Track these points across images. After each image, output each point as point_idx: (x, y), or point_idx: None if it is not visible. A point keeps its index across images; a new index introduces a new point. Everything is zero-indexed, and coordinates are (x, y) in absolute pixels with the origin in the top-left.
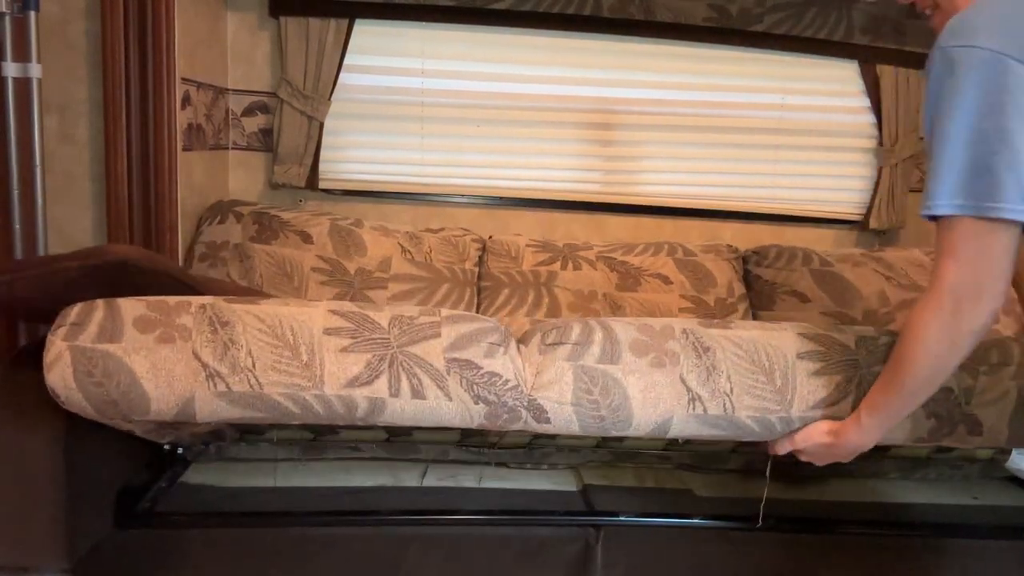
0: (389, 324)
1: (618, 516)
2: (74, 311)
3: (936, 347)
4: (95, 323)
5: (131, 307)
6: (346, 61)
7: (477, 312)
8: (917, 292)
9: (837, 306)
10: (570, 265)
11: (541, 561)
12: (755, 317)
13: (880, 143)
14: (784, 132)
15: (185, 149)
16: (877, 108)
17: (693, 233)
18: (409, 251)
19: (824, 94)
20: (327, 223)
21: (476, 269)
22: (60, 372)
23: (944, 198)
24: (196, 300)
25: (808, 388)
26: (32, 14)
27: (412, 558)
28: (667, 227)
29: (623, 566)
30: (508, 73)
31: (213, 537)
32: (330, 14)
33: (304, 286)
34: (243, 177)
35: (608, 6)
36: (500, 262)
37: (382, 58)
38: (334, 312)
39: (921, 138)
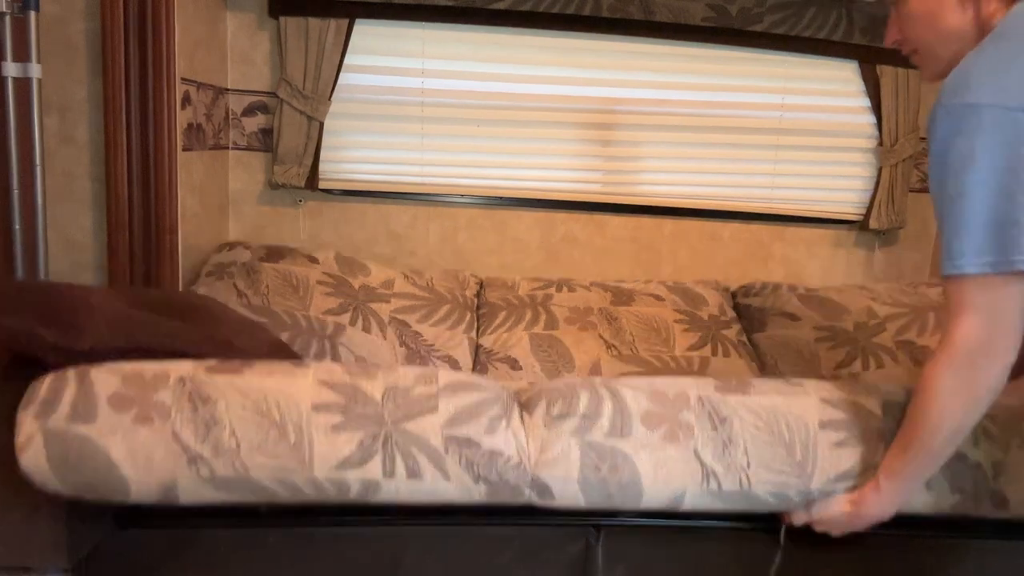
0: (383, 397)
1: (618, 516)
2: (44, 386)
3: (954, 407)
4: (67, 402)
5: (105, 382)
6: (346, 61)
7: (477, 331)
8: (902, 308)
9: (827, 321)
10: (565, 289)
11: (541, 560)
12: (750, 339)
13: (880, 143)
14: (784, 132)
15: (185, 149)
16: (877, 108)
17: (693, 233)
18: (411, 277)
19: (824, 94)
20: (333, 252)
21: (476, 299)
22: (33, 455)
23: (971, 256)
24: (174, 371)
25: (830, 461)
26: (32, 14)
27: (412, 556)
28: (667, 227)
29: (624, 566)
30: (508, 73)
31: (215, 537)
32: (330, 14)
33: (309, 296)
34: (243, 177)
35: (608, 6)
36: (497, 291)
37: (382, 58)
38: (324, 383)
39: (923, 138)
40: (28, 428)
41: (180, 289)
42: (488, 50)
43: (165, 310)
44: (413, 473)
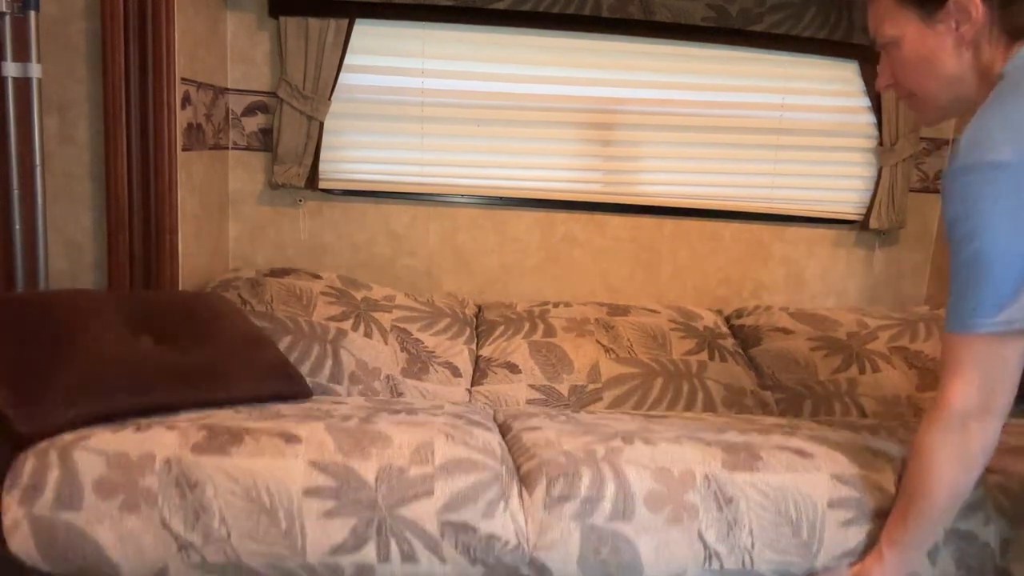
0: (376, 480)
1: None
2: (27, 469)
3: (950, 472)
4: (51, 487)
5: (89, 465)
6: (346, 61)
7: (477, 344)
8: (892, 320)
9: (820, 331)
10: (562, 305)
11: None
12: (746, 354)
13: (880, 143)
14: (784, 132)
15: (185, 149)
16: (877, 108)
17: (693, 233)
18: (413, 295)
19: (824, 94)
20: (336, 272)
21: (475, 319)
22: (22, 541)
23: (985, 315)
24: (160, 451)
25: (836, 540)
26: (32, 14)
27: None
28: (667, 227)
29: None
30: (508, 73)
31: None
32: (330, 14)
33: (312, 305)
34: (243, 177)
35: (608, 6)
36: (496, 311)
37: (382, 58)
38: (315, 464)
39: (923, 138)
40: (14, 513)
41: (180, 287)
42: (488, 50)
43: (167, 317)
44: (408, 557)
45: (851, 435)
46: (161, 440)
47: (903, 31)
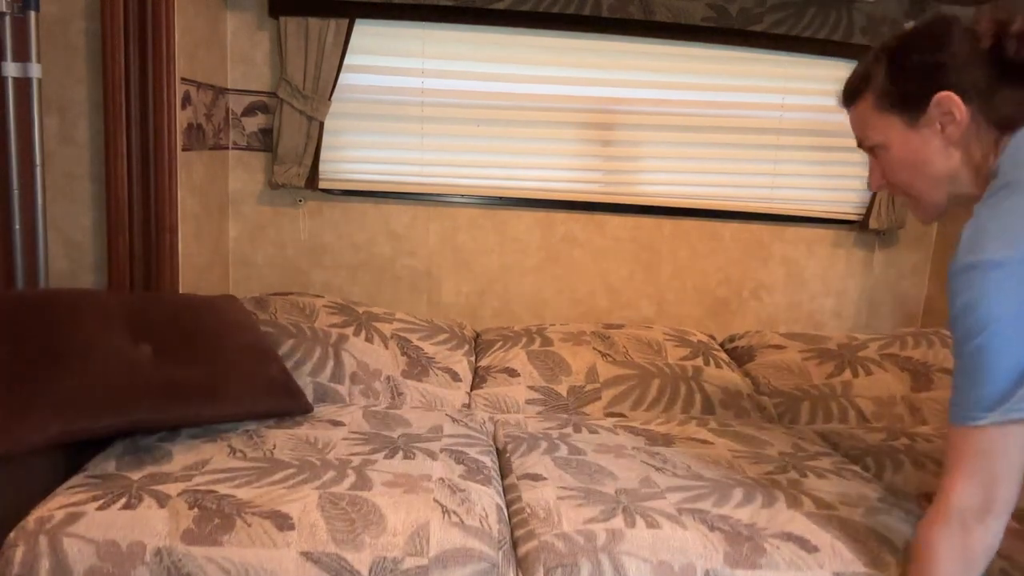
0: (370, 573)
1: None
2: (17, 558)
3: (951, 572)
4: None
5: (79, 554)
6: (346, 61)
7: (476, 358)
8: (879, 335)
9: (810, 345)
10: (558, 324)
11: None
12: (741, 369)
13: None
14: (784, 132)
15: (185, 149)
16: None
17: (693, 233)
18: (413, 315)
19: (824, 94)
20: (339, 299)
21: (474, 340)
22: None
23: (985, 408)
24: (151, 541)
25: None
26: (32, 14)
27: None
28: (667, 227)
29: None
30: (508, 73)
31: None
32: (330, 14)
33: (315, 316)
34: (243, 177)
35: (608, 6)
36: (493, 332)
37: (382, 58)
38: (307, 557)
39: None
40: None
41: (180, 287)
42: (488, 50)
43: (171, 325)
44: None
45: (861, 492)
46: (151, 525)
47: (888, 137)
